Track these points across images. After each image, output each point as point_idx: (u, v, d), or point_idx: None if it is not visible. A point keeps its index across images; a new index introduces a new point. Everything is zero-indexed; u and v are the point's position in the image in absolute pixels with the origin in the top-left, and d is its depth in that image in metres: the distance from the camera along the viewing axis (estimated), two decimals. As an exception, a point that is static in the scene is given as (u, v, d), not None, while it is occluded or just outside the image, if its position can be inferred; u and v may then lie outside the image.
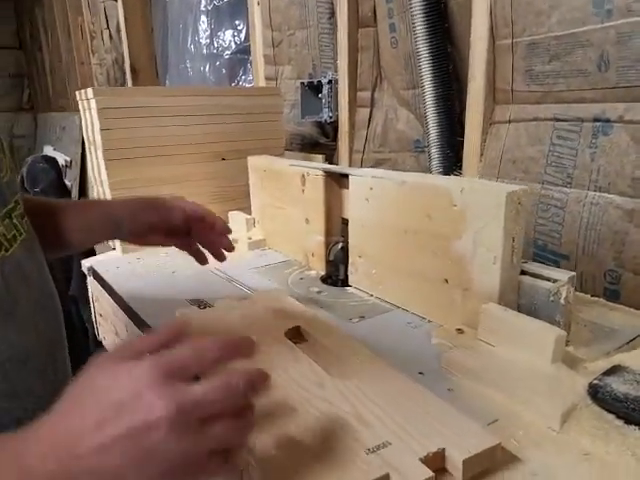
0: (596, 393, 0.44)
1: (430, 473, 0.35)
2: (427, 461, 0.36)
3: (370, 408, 0.42)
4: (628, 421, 0.42)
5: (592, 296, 0.75)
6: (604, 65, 0.72)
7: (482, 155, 0.92)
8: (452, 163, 0.96)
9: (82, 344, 1.69)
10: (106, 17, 2.20)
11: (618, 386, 0.44)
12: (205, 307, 0.64)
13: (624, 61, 0.69)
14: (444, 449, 0.37)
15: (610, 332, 0.59)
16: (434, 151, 0.97)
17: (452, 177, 0.82)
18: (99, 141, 0.88)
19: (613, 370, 0.47)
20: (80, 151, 2.32)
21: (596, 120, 0.75)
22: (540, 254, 0.84)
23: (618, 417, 0.43)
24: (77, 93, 0.93)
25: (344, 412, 0.42)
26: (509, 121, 0.87)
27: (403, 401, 0.43)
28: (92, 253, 0.98)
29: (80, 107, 0.94)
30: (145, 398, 0.28)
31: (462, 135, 0.95)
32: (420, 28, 0.93)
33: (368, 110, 1.14)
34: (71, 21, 2.63)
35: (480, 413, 0.44)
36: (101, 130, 0.87)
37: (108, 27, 2.20)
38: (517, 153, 0.86)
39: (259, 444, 0.38)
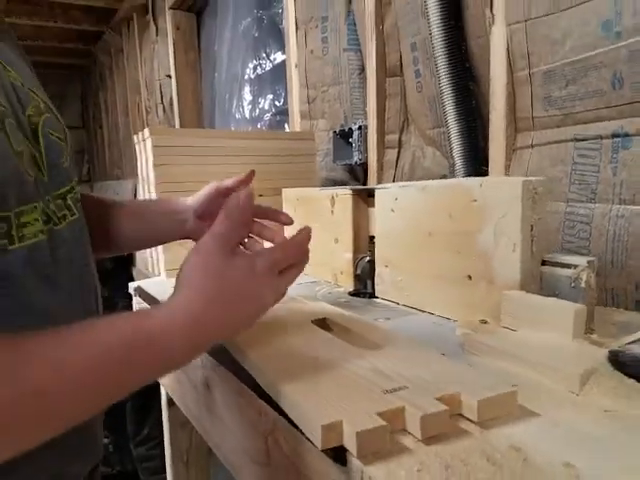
0: (616, 357, 0.44)
1: (444, 407, 0.36)
2: (442, 401, 0.37)
3: (388, 366, 0.44)
4: (651, 383, 0.42)
5: (625, 310, 0.75)
6: (618, 83, 0.76)
7: (507, 181, 0.95)
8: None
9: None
10: (161, 93, 2.43)
11: (638, 349, 0.44)
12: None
13: (637, 76, 0.73)
14: (460, 393, 0.38)
15: (638, 328, 0.58)
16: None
17: (471, 177, 0.85)
18: (152, 177, 0.96)
19: (635, 342, 0.47)
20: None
21: (615, 136, 0.78)
22: (570, 272, 0.84)
23: (639, 380, 0.42)
24: (134, 136, 1.03)
25: (364, 369, 0.43)
26: (531, 146, 0.91)
27: (421, 362, 0.44)
28: (127, 280, 1.03)
29: (137, 150, 1.04)
30: (263, 290, 0.44)
31: (487, 165, 0.99)
32: (443, 69, 1.00)
33: (396, 151, 1.21)
34: (129, 100, 2.92)
35: (501, 380, 0.45)
36: (154, 166, 0.96)
37: (162, 102, 2.43)
38: (541, 175, 0.89)
39: (287, 388, 0.40)
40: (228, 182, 0.67)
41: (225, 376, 0.57)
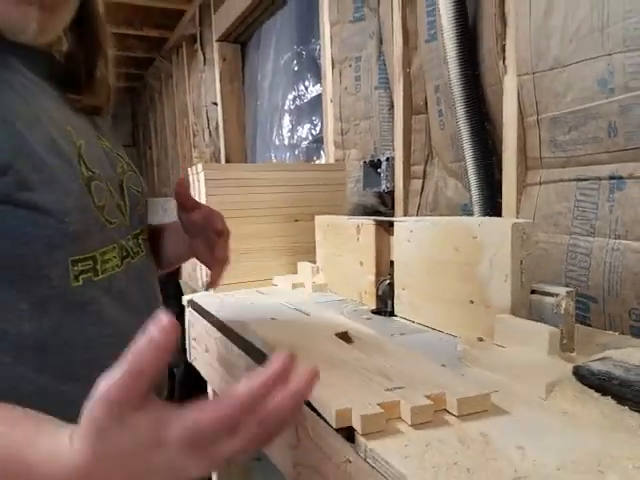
0: (578, 370, 0.54)
1: (430, 402, 0.47)
2: (430, 399, 0.49)
3: (393, 371, 0.55)
4: (605, 393, 0.52)
5: (620, 334, 0.83)
6: (613, 132, 0.86)
7: (518, 213, 1.05)
8: (492, 222, 1.10)
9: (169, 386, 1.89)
10: (207, 118, 2.63)
11: (597, 366, 0.54)
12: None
13: (628, 127, 0.83)
14: (444, 393, 0.50)
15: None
16: (476, 210, 1.11)
17: (473, 217, 0.96)
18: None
19: (599, 359, 0.57)
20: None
21: (611, 178, 0.87)
22: (571, 297, 0.93)
23: (597, 391, 0.52)
24: (189, 169, 1.19)
25: (372, 372, 0.55)
26: (540, 183, 1.01)
27: (420, 369, 0.56)
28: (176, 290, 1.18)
29: (191, 180, 1.20)
30: (179, 463, 0.36)
31: (501, 198, 1.09)
32: (461, 112, 1.11)
33: (421, 181, 1.32)
34: (178, 123, 3.13)
35: (483, 387, 0.56)
36: (207, 195, 1.11)
37: (209, 126, 2.63)
38: (547, 210, 0.99)
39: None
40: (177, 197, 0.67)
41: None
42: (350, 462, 0.49)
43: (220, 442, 0.36)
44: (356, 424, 0.46)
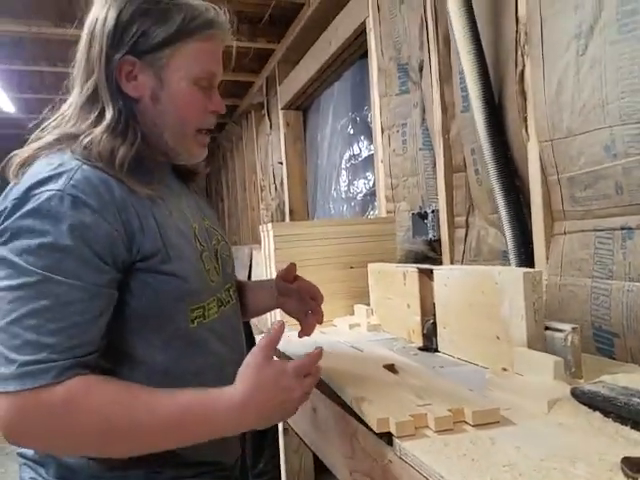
0: (574, 391, 0.68)
1: (449, 413, 0.64)
2: (452, 412, 0.65)
3: (426, 393, 0.72)
4: (594, 409, 0.66)
5: (640, 366, 0.95)
6: (619, 190, 1.00)
7: (548, 259, 1.18)
8: (526, 266, 1.23)
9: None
10: (273, 175, 2.92)
11: (588, 387, 0.68)
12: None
13: (632, 186, 0.96)
14: (463, 407, 0.66)
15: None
16: (512, 257, 1.25)
17: (496, 266, 1.10)
18: (273, 256, 1.34)
19: (594, 382, 0.71)
20: (247, 273, 2.94)
21: (622, 229, 1.00)
22: (597, 334, 1.05)
23: (589, 408, 0.67)
24: (260, 227, 1.42)
25: (409, 393, 0.72)
26: (564, 233, 1.15)
27: (449, 391, 0.72)
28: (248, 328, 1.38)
29: (261, 236, 1.43)
30: (291, 388, 0.66)
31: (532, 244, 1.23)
32: (493, 173, 1.28)
33: (464, 230, 1.48)
34: (247, 179, 3.46)
35: (497, 404, 0.71)
36: (275, 249, 1.33)
37: (274, 182, 2.92)
38: (572, 256, 1.12)
39: (363, 404, 0.70)
40: (282, 272, 0.98)
41: (324, 402, 0.88)
42: (391, 462, 0.66)
43: (305, 378, 0.68)
44: (393, 429, 0.63)
